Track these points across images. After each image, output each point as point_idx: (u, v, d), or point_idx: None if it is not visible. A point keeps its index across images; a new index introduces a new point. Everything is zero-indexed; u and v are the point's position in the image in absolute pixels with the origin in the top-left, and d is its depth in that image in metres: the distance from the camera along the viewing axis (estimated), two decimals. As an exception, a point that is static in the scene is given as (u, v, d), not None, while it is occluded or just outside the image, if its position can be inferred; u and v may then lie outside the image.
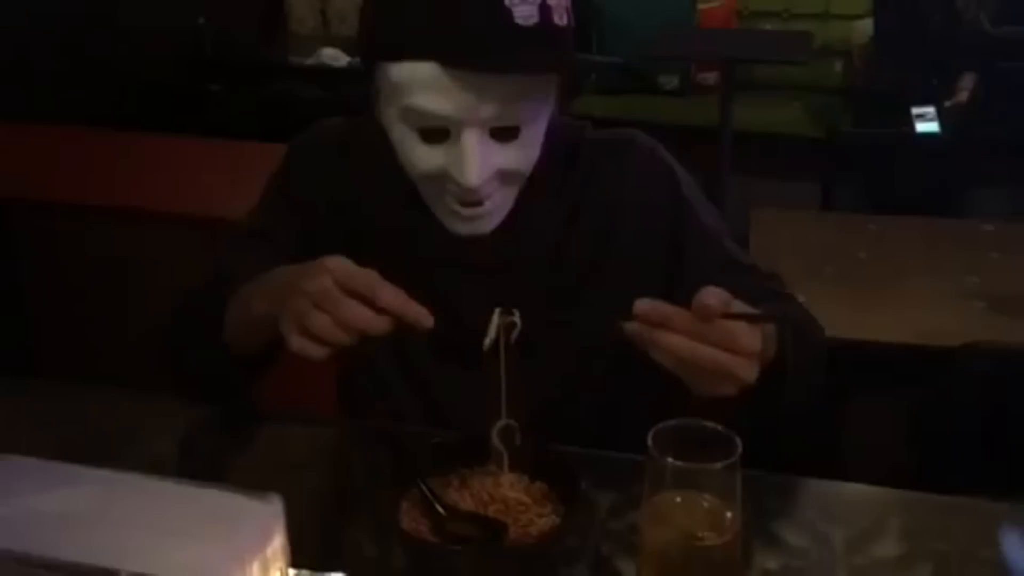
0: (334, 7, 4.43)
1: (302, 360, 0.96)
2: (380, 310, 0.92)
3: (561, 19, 1.05)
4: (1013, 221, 2.76)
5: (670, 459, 0.79)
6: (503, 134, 1.06)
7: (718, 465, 0.79)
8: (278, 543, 0.72)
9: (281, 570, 0.73)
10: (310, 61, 3.97)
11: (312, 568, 0.88)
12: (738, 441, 0.80)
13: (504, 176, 1.09)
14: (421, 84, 1.03)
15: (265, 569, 0.70)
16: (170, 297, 1.22)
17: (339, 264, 0.93)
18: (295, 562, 0.74)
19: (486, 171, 1.06)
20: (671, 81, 4.08)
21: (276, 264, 1.06)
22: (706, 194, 1.24)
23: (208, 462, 1.08)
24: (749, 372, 0.91)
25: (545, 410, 1.07)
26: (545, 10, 1.03)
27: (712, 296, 0.88)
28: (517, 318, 0.94)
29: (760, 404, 1.00)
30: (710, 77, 4.03)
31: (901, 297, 2.03)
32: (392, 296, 0.92)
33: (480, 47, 1.01)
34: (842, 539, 1.00)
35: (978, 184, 3.16)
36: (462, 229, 1.11)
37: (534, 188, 1.14)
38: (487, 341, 0.93)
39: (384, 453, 1.02)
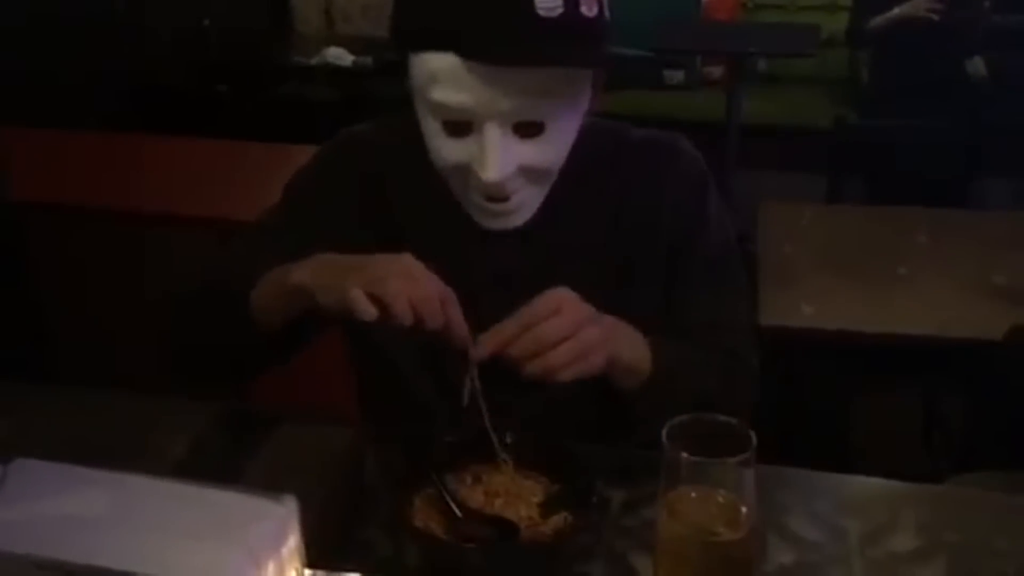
0: (338, 6, 4.43)
1: (319, 361, 0.98)
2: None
3: (590, 9, 1.01)
4: (1021, 211, 2.75)
5: (684, 454, 0.79)
6: (527, 129, 1.04)
7: (732, 460, 0.79)
8: (293, 543, 0.72)
9: (297, 570, 0.72)
10: (315, 61, 3.96)
11: (327, 568, 0.88)
12: (752, 436, 0.80)
13: (529, 173, 1.07)
14: (441, 76, 1.02)
15: (281, 570, 0.70)
16: (182, 281, 1.21)
17: (415, 260, 0.98)
18: (310, 562, 0.74)
19: (507, 167, 1.04)
20: (676, 76, 4.08)
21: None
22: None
23: (222, 463, 1.08)
24: (567, 355, 0.95)
25: (560, 407, 1.07)
26: (571, 1, 1.00)
27: (481, 348, 0.96)
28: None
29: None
30: (716, 71, 4.02)
31: (909, 289, 2.02)
32: (455, 306, 0.96)
33: (497, 39, 0.99)
34: (857, 533, 1.00)
35: (986, 174, 3.15)
36: (490, 224, 1.11)
37: (575, 188, 1.13)
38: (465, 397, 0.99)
39: (398, 452, 1.03)
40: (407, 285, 0.95)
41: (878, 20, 3.25)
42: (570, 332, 0.96)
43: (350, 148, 1.23)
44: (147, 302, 1.23)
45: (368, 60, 3.87)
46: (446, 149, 1.06)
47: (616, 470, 1.05)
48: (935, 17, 3.12)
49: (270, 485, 0.73)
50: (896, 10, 3.20)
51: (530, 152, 1.05)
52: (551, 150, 1.07)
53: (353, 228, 1.17)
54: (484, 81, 1.00)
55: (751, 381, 1.18)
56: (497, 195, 1.07)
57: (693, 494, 0.80)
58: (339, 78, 3.86)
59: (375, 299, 0.94)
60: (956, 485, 1.44)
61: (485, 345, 0.96)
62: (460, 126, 1.04)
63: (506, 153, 1.03)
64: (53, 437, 1.11)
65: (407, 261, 0.98)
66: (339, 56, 3.95)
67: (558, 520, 0.94)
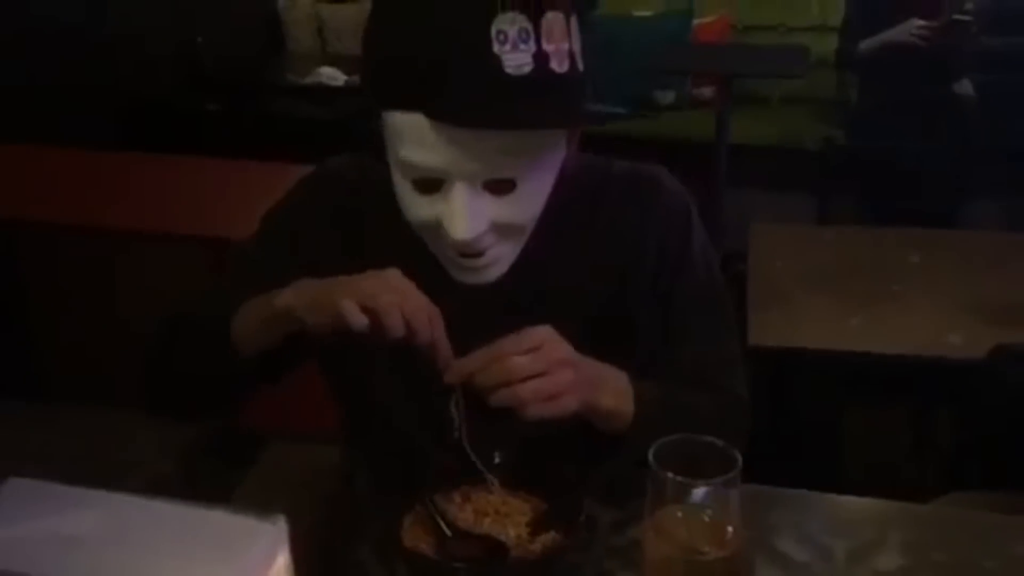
0: (331, 26, 4.44)
1: (308, 381, 0.98)
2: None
3: (561, 65, 0.99)
4: (1009, 232, 2.77)
5: (671, 474, 0.80)
6: (498, 187, 1.02)
7: (718, 480, 0.79)
8: (282, 563, 0.72)
9: (286, 590, 0.73)
10: (308, 80, 3.98)
11: (317, 587, 0.89)
12: (738, 456, 0.80)
13: (501, 229, 1.05)
14: (409, 135, 1.00)
15: (270, 589, 0.70)
16: (161, 312, 1.21)
17: (401, 276, 0.98)
18: (300, 581, 0.74)
19: (478, 225, 1.02)
20: (667, 96, 4.10)
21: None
22: (703, 208, 1.22)
23: (212, 483, 1.08)
24: (535, 391, 0.95)
25: (549, 432, 1.06)
26: (541, 57, 0.97)
27: (452, 372, 0.97)
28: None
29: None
30: (706, 91, 4.05)
31: (898, 308, 2.04)
32: (440, 321, 0.97)
33: (466, 100, 0.96)
34: (844, 552, 1.01)
35: (974, 195, 3.17)
36: (465, 278, 1.09)
37: (555, 233, 1.11)
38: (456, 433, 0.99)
39: (387, 472, 1.03)
40: (398, 298, 0.95)
41: (867, 43, 3.28)
42: (542, 370, 0.95)
43: (329, 183, 1.22)
44: (138, 323, 1.23)
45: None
46: (416, 206, 1.05)
47: (605, 490, 1.06)
48: (922, 43, 3.14)
49: (260, 504, 0.73)
50: (885, 34, 3.23)
51: (502, 209, 1.03)
52: (524, 207, 1.05)
53: (329, 263, 1.13)
54: (452, 141, 0.98)
55: (742, 417, 1.17)
56: (470, 252, 1.05)
57: (679, 513, 0.81)
58: (331, 97, 3.87)
59: (366, 311, 0.94)
60: (943, 505, 1.45)
61: (455, 369, 0.97)
62: (430, 183, 1.02)
63: (476, 211, 1.01)
64: (41, 455, 1.12)
65: (395, 275, 0.98)
66: (332, 76, 3.96)
67: (547, 539, 0.95)
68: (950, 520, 1.14)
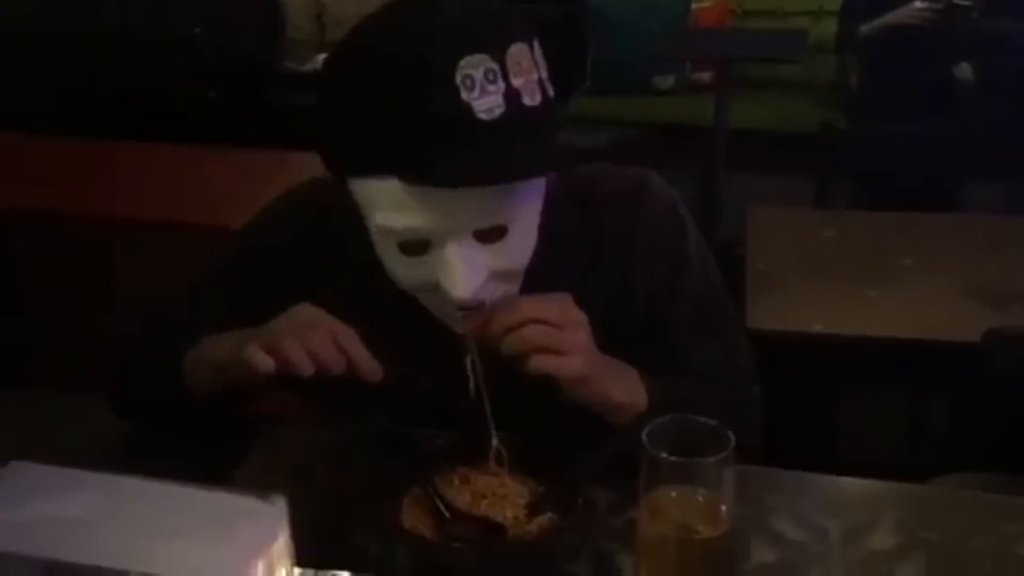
0: (331, 13, 4.43)
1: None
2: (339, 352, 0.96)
3: (533, 98, 0.94)
4: (1008, 215, 2.78)
5: (664, 454, 0.81)
6: (489, 235, 0.97)
7: (711, 459, 0.80)
8: (283, 542, 0.73)
9: (287, 569, 0.74)
10: (307, 67, 3.97)
11: (316, 567, 0.90)
12: (731, 436, 0.81)
13: (499, 275, 0.99)
14: (385, 201, 0.95)
15: (271, 568, 0.72)
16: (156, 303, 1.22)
17: (311, 308, 0.99)
18: (300, 561, 0.75)
19: (477, 279, 0.97)
20: (666, 81, 4.10)
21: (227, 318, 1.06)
22: (701, 192, 1.21)
23: (212, 465, 1.09)
24: (544, 337, 0.95)
25: (539, 417, 1.05)
26: (512, 95, 0.92)
27: (468, 324, 0.98)
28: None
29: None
30: (705, 76, 4.04)
31: (895, 292, 2.04)
32: (353, 342, 0.96)
33: (440, 159, 0.91)
34: (838, 532, 1.02)
35: (973, 179, 3.17)
36: (464, 329, 1.01)
37: (548, 251, 1.05)
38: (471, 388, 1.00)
39: (386, 453, 1.04)
40: (302, 335, 0.95)
41: (867, 27, 3.27)
42: (557, 323, 0.95)
43: (310, 204, 1.16)
44: (137, 312, 1.23)
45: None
46: (404, 268, 0.99)
47: (604, 471, 1.06)
48: (924, 24, 3.14)
49: (259, 486, 0.74)
50: (885, 17, 3.22)
51: (497, 257, 0.98)
52: (519, 249, 1.00)
53: (303, 297, 1.04)
54: (433, 200, 0.93)
55: (754, 414, 1.16)
56: (471, 305, 0.99)
57: (673, 493, 0.82)
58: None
59: (272, 354, 0.94)
60: (936, 486, 1.46)
61: (472, 322, 0.97)
62: (416, 245, 0.97)
63: (472, 266, 0.96)
64: (41, 441, 1.13)
65: (302, 312, 0.98)
66: (331, 63, 3.96)
67: (544, 520, 0.96)
68: (943, 500, 1.15)
